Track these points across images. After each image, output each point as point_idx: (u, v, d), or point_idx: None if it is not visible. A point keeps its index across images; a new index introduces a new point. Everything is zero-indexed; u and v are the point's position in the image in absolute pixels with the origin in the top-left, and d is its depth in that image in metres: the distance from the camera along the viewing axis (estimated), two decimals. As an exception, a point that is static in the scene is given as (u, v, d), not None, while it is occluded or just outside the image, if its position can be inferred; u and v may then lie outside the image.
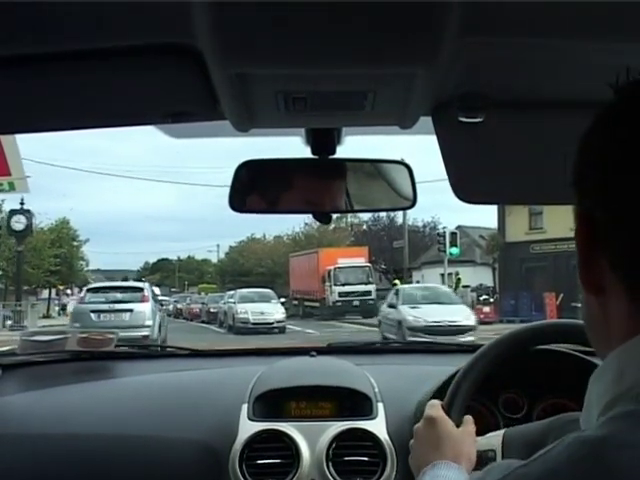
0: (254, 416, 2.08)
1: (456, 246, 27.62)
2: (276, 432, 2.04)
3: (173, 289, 73.16)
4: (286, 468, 2.01)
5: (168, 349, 2.83)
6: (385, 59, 1.02)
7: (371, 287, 36.87)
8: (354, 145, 1.64)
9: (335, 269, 37.41)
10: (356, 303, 35.99)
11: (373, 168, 1.69)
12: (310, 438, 2.05)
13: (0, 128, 1.73)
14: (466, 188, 1.50)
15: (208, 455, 2.05)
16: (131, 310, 19.11)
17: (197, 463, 2.04)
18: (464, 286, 32.28)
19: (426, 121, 1.37)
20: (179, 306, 46.45)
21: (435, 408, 1.59)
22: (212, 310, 35.85)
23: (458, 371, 1.74)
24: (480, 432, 1.72)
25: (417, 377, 2.21)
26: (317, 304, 39.30)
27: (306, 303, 41.52)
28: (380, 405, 2.12)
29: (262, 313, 30.18)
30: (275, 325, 29.74)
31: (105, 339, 2.54)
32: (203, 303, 40.79)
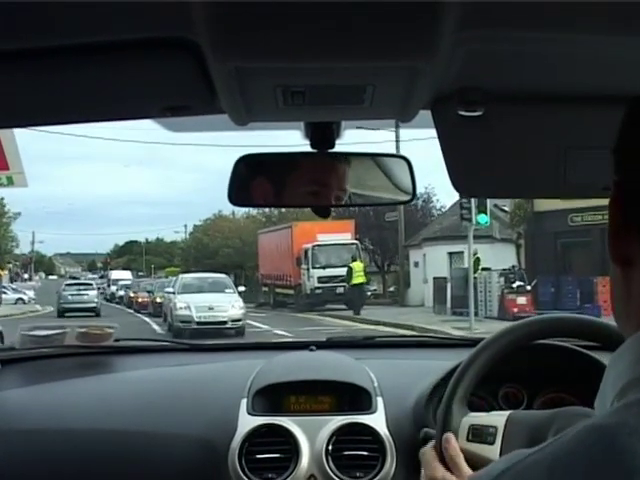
0: (253, 411, 2.19)
1: (485, 213, 21.26)
2: (275, 427, 2.15)
3: (140, 273, 71.84)
4: (285, 463, 2.12)
5: (168, 343, 2.93)
6: (384, 53, 1.04)
7: None
8: (351, 138, 1.66)
9: (314, 248, 32.47)
10: (340, 290, 31.03)
11: (372, 162, 1.71)
12: (309, 433, 2.15)
13: None
14: (466, 182, 1.53)
15: (207, 450, 2.16)
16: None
17: (196, 458, 2.15)
18: (483, 269, 26.83)
19: (425, 115, 1.39)
20: (131, 294, 42.83)
21: (430, 466, 1.64)
22: (158, 300, 31.46)
23: (458, 365, 1.85)
24: (479, 462, 1.81)
25: (417, 371, 2.31)
26: (291, 291, 34.59)
27: (278, 290, 36.77)
28: (379, 399, 2.21)
29: (211, 308, 24.00)
30: (230, 325, 23.69)
31: (104, 334, 2.61)
32: (149, 292, 36.53)
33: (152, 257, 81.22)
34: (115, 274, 61.56)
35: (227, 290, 25.55)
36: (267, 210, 47.73)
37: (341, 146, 1.61)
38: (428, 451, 1.67)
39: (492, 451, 1.74)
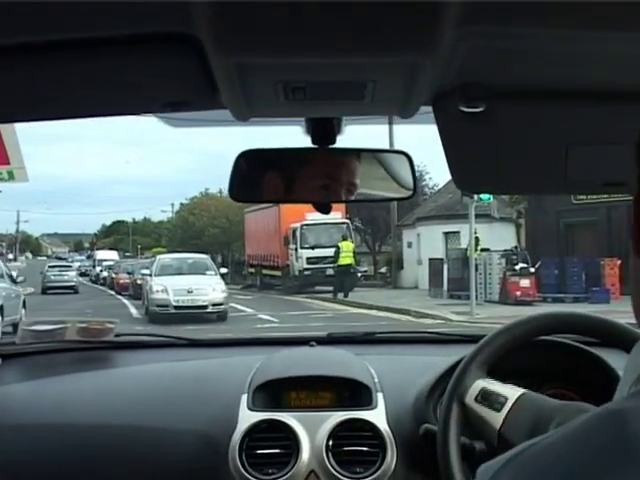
0: (254, 406, 2.20)
1: None
2: (276, 422, 2.17)
3: (127, 254, 64.41)
4: (286, 458, 2.15)
5: (168, 339, 2.86)
6: (385, 49, 1.05)
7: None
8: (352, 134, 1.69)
9: (302, 227, 31.41)
10: (330, 272, 29.71)
11: (373, 157, 1.72)
12: (310, 428, 2.17)
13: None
14: (467, 178, 1.59)
15: (208, 445, 2.18)
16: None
17: (197, 453, 2.18)
18: (482, 249, 25.88)
19: (427, 111, 1.41)
20: (113, 275, 41.96)
21: None
22: (139, 282, 29.72)
23: (458, 361, 1.94)
24: (479, 425, 1.94)
25: (417, 367, 2.35)
26: (279, 273, 33.58)
27: (265, 272, 35.70)
28: (380, 395, 2.24)
29: (190, 292, 22.46)
30: (210, 310, 22.17)
31: (104, 329, 2.63)
32: (129, 273, 35.63)
33: (139, 237, 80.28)
34: (100, 254, 60.07)
35: (208, 272, 24.47)
36: None
37: (342, 142, 1.62)
38: None
39: (495, 418, 1.80)
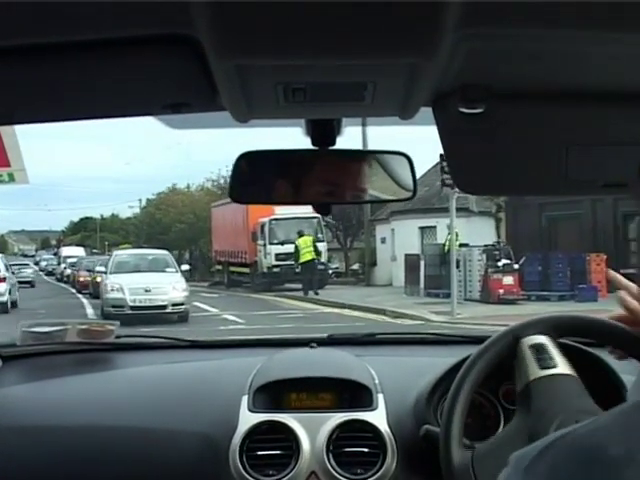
0: (254, 407, 2.24)
1: None
2: (276, 423, 2.21)
3: (95, 250, 62.95)
4: (286, 459, 2.19)
5: (169, 340, 2.88)
6: (385, 50, 1.07)
7: (321, 246, 29.57)
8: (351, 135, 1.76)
9: (271, 221, 30.46)
10: (299, 269, 28.58)
11: (372, 158, 1.74)
12: (310, 429, 2.20)
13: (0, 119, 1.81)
14: (467, 179, 1.59)
15: (208, 447, 2.22)
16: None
17: (197, 455, 2.22)
18: (461, 244, 24.52)
19: (426, 112, 1.44)
20: (75, 273, 40.14)
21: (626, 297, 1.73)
22: (99, 280, 27.45)
23: (459, 362, 1.98)
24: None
25: (417, 368, 2.39)
26: (247, 270, 32.43)
27: (232, 268, 34.53)
28: (380, 396, 2.27)
29: (147, 291, 21.12)
30: (170, 310, 20.70)
31: (105, 330, 2.64)
32: (89, 270, 34.05)
33: (107, 234, 79.26)
34: (66, 251, 58.62)
35: (168, 269, 23.35)
36: (222, 181, 46.11)
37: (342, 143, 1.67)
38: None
39: (534, 372, 1.81)
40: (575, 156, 1.46)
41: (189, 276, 42.08)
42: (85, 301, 28.18)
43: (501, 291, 21.90)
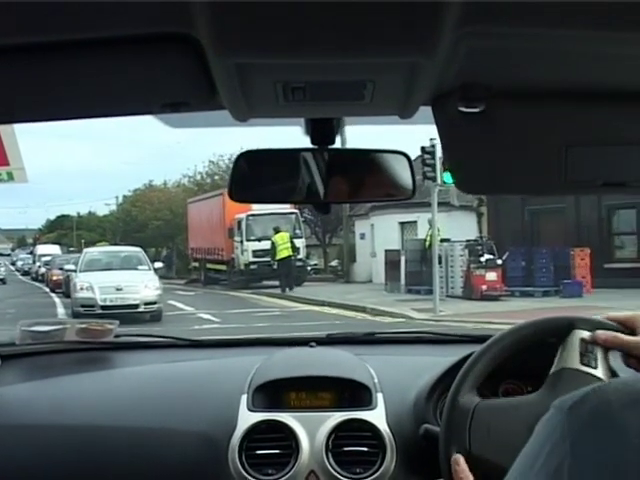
0: (253, 407, 2.25)
1: None
2: (275, 423, 2.22)
3: (71, 248, 67.22)
4: (285, 458, 2.20)
5: (168, 339, 2.90)
6: (384, 49, 1.08)
7: (299, 243, 29.00)
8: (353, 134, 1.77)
9: (248, 218, 29.72)
10: (276, 266, 28.20)
11: (372, 158, 1.75)
12: (309, 429, 2.21)
13: None
14: (467, 178, 1.58)
15: (207, 446, 2.23)
16: None
17: (196, 454, 2.23)
18: (443, 240, 23.83)
19: (426, 111, 1.44)
20: (50, 271, 39.35)
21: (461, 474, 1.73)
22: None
23: (458, 361, 2.01)
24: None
25: (417, 368, 2.38)
26: (223, 267, 31.94)
27: (209, 266, 34.05)
28: (380, 395, 2.28)
29: (119, 289, 20.38)
30: (142, 309, 19.97)
31: (104, 329, 2.66)
32: (61, 268, 32.72)
33: (84, 232, 78.38)
34: (41, 249, 57.87)
35: (140, 267, 22.79)
36: (199, 177, 46.20)
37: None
38: (460, 459, 1.75)
39: (573, 360, 1.79)
40: (574, 155, 1.46)
41: (166, 274, 41.21)
42: (57, 300, 27.75)
43: (484, 287, 21.63)
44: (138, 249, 25.01)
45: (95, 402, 2.36)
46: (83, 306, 19.90)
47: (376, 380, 2.31)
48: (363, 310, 20.13)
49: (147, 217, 47.00)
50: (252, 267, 29.63)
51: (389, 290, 25.62)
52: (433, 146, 19.11)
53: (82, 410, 2.33)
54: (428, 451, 1.97)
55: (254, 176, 1.69)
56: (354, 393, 2.29)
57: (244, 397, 2.25)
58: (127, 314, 18.81)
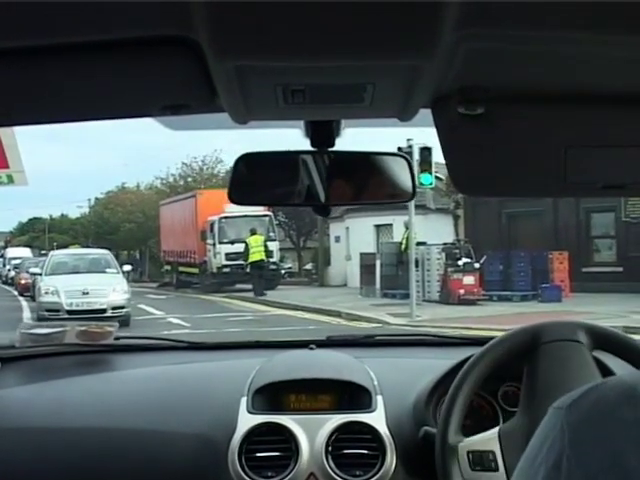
0: (253, 409, 2.26)
1: (430, 172, 18.05)
2: (275, 425, 2.24)
3: (43, 251, 61.27)
4: (285, 461, 2.21)
5: (168, 342, 2.93)
6: (384, 52, 1.08)
7: (273, 246, 28.52)
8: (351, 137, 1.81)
9: (220, 220, 29.10)
10: (250, 269, 27.66)
11: (371, 160, 1.77)
12: (309, 431, 2.23)
13: None
14: (466, 181, 1.58)
15: (207, 448, 2.24)
16: None
17: (196, 456, 2.24)
18: (419, 243, 23.19)
19: (426, 114, 1.45)
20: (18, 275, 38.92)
21: None
22: None
23: (458, 364, 2.02)
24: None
25: (416, 370, 2.42)
26: (196, 270, 31.28)
27: (181, 269, 33.37)
28: (379, 398, 2.29)
29: (85, 293, 19.39)
30: (110, 314, 18.48)
31: (104, 332, 2.67)
32: (27, 272, 32.57)
33: (56, 234, 77.58)
34: (11, 252, 56.92)
35: (109, 270, 21.95)
36: (171, 179, 45.58)
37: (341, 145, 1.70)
38: None
39: (499, 477, 1.86)
40: (575, 158, 1.45)
41: (138, 277, 40.24)
42: (25, 304, 27.19)
43: (462, 291, 21.29)
44: (106, 251, 24.40)
45: (95, 404, 2.39)
46: (48, 310, 19.17)
47: (376, 382, 2.33)
48: (338, 315, 19.86)
49: (119, 219, 46.72)
50: (225, 270, 29.36)
51: (364, 294, 25.50)
52: (410, 147, 18.87)
53: (82, 412, 2.35)
54: (428, 453, 2.01)
55: (254, 179, 1.70)
56: (354, 395, 2.31)
57: (244, 399, 2.27)
58: (94, 319, 18.04)
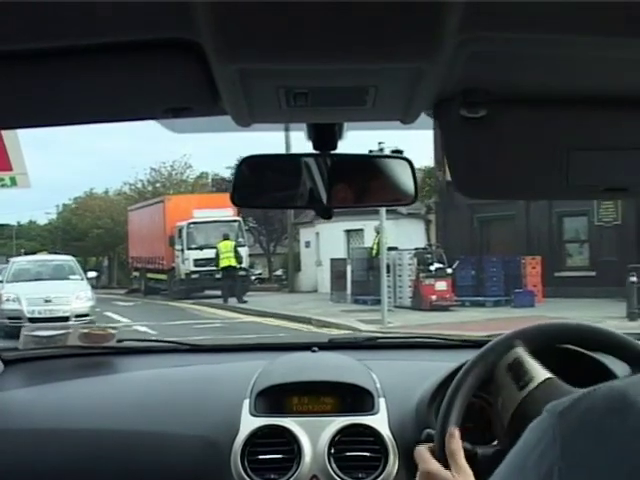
0: (256, 411, 2.28)
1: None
2: (278, 427, 2.25)
3: (10, 258, 56.53)
4: (288, 463, 2.22)
5: (170, 344, 2.99)
6: (387, 55, 1.08)
7: (243, 251, 27.71)
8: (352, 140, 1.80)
9: (189, 225, 28.66)
10: (220, 275, 26.97)
11: (374, 163, 1.78)
12: (312, 433, 2.24)
13: (1, 124, 1.80)
14: (469, 183, 1.58)
15: (210, 451, 2.25)
16: None
17: (199, 459, 2.25)
18: (390, 248, 22.72)
19: (427, 116, 1.46)
20: None
21: (425, 460, 1.73)
22: None
23: (460, 366, 1.98)
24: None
25: (419, 372, 2.41)
26: (164, 276, 30.66)
27: (149, 275, 32.83)
28: (382, 400, 2.32)
29: (48, 301, 18.45)
30: (73, 322, 17.06)
31: (107, 334, 2.71)
32: None
33: (24, 241, 76.38)
34: None
35: (72, 277, 21.12)
36: (140, 185, 45.37)
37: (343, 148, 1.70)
38: (423, 448, 1.78)
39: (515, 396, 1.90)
40: (577, 160, 1.45)
41: (107, 283, 39.35)
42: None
43: (434, 297, 21.00)
44: (70, 258, 23.46)
45: (98, 406, 2.41)
46: (9, 318, 18.07)
47: (378, 385, 2.35)
48: (308, 322, 19.50)
49: (88, 225, 46.14)
50: (193, 276, 28.93)
51: (335, 300, 25.23)
52: (381, 150, 18.41)
53: (85, 414, 2.38)
54: None
55: (256, 181, 1.71)
56: (356, 398, 2.33)
57: (246, 402, 2.29)
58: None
